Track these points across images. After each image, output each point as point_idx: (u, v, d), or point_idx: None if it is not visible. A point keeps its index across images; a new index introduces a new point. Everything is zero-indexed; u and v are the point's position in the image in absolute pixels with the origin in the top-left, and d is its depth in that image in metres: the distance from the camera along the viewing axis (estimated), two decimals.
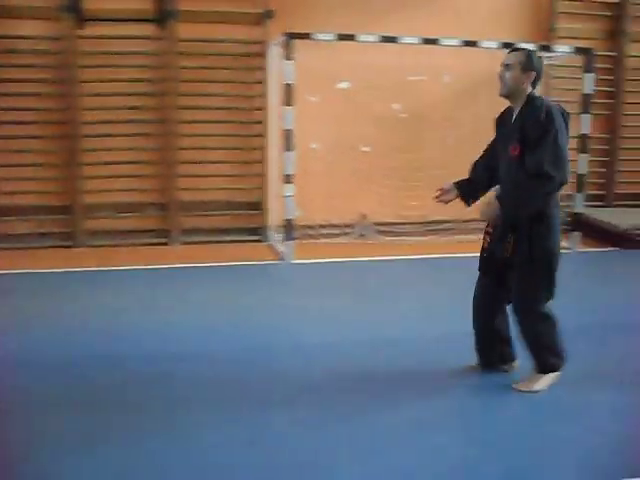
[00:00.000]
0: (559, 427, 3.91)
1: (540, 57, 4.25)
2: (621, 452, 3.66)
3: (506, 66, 4.16)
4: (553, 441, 3.73)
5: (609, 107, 10.13)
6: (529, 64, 4.12)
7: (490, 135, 8.68)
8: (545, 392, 4.29)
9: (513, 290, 4.29)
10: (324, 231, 8.95)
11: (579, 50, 8.64)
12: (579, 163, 8.67)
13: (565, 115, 4.12)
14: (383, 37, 7.89)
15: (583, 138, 8.68)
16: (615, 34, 10.07)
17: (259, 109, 8.84)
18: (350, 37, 7.82)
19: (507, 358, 4.59)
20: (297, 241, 8.35)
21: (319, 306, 6.22)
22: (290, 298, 6.54)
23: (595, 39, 9.94)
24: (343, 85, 9.02)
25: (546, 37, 9.61)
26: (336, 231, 9.03)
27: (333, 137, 8.99)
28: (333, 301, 6.39)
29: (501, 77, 4.19)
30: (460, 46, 8.13)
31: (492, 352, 4.57)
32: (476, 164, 4.61)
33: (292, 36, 7.62)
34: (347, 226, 9.14)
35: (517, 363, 4.61)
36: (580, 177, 8.75)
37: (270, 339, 5.32)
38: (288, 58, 7.63)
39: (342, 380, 4.52)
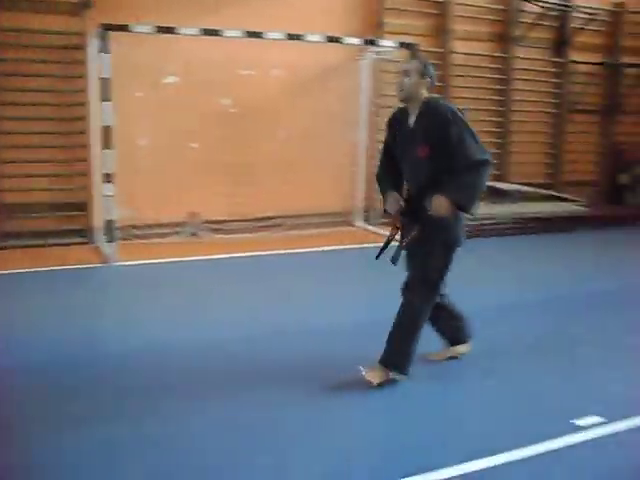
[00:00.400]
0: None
1: (432, 64, 4.46)
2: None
3: (404, 72, 4.33)
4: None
5: None
6: (425, 71, 4.34)
7: (323, 128, 8.73)
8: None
9: (411, 270, 4.47)
10: (154, 230, 8.67)
11: (403, 45, 8.80)
12: None
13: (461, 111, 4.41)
14: (204, 30, 7.69)
15: None
16: (441, 31, 10.36)
17: (81, 104, 8.44)
18: (171, 30, 7.58)
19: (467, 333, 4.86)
20: (126, 242, 8.14)
21: (138, 309, 6.00)
22: (109, 301, 6.29)
23: (423, 35, 10.20)
24: (170, 80, 8.76)
25: (375, 32, 9.75)
26: (166, 230, 8.77)
27: (161, 133, 8.69)
28: (155, 303, 6.19)
29: (400, 84, 4.35)
30: (284, 39, 8.05)
31: (450, 330, 4.83)
32: (385, 171, 4.71)
33: (108, 28, 7.31)
34: (178, 225, 8.90)
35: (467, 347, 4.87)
36: None
37: (84, 345, 5.09)
38: (104, 51, 7.32)
39: (153, 385, 4.38)
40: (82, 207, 8.60)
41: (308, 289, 6.79)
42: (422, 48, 9.85)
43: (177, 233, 8.83)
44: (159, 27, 7.50)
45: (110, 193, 7.59)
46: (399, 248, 4.40)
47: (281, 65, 9.22)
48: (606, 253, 9.01)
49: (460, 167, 4.21)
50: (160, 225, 8.73)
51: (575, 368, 4.82)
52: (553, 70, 11.48)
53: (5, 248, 8.18)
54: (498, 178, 11.01)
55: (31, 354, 4.85)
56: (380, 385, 4.27)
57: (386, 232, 4.61)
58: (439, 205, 4.20)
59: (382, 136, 9.70)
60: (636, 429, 3.89)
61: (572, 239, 9.82)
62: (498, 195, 10.40)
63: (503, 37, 10.89)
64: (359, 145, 9.85)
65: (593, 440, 3.72)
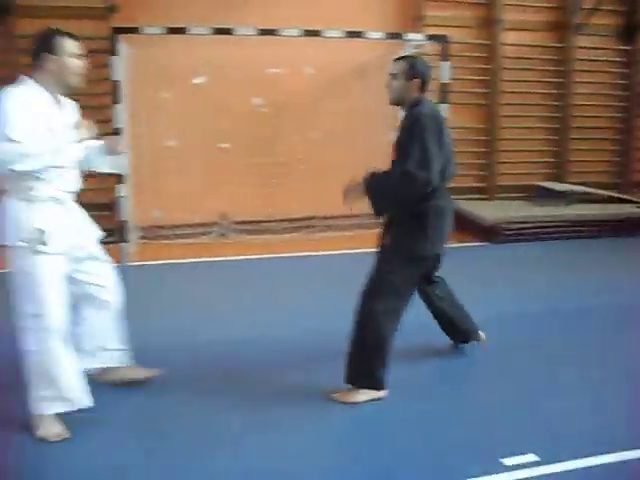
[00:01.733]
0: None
1: (425, 62, 4.26)
2: None
3: (392, 75, 4.21)
4: None
5: (486, 97, 9.88)
6: (412, 71, 4.15)
7: (360, 128, 8.59)
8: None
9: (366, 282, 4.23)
10: (182, 231, 8.62)
11: (432, 38, 8.32)
12: None
13: (439, 118, 4.13)
14: (216, 29, 7.51)
15: None
16: (489, 22, 9.78)
17: (107, 107, 8.48)
18: (182, 30, 7.47)
19: (471, 332, 4.87)
20: (152, 242, 8.23)
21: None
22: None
23: (469, 27, 9.69)
24: (198, 80, 8.68)
25: (414, 26, 9.32)
26: (195, 231, 8.70)
27: (190, 134, 8.63)
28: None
29: (388, 86, 4.24)
30: (300, 37, 7.77)
31: (454, 331, 4.87)
32: None
33: (118, 31, 7.31)
34: (207, 225, 8.81)
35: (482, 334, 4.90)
36: None
37: None
38: (115, 54, 7.31)
39: None
40: (109, 207, 8.63)
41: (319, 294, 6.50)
42: (467, 41, 9.40)
43: (206, 234, 8.74)
44: (170, 28, 7.42)
45: (124, 194, 7.70)
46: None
47: (312, 62, 8.91)
48: None
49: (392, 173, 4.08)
50: (188, 225, 8.68)
51: (528, 396, 4.34)
52: (620, 60, 10.62)
53: None
54: (554, 178, 10.34)
55: None
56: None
57: None
58: (348, 190, 4.21)
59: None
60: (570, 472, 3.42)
61: (629, 245, 9.02)
62: (551, 197, 9.76)
63: (560, 26, 10.14)
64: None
65: None
